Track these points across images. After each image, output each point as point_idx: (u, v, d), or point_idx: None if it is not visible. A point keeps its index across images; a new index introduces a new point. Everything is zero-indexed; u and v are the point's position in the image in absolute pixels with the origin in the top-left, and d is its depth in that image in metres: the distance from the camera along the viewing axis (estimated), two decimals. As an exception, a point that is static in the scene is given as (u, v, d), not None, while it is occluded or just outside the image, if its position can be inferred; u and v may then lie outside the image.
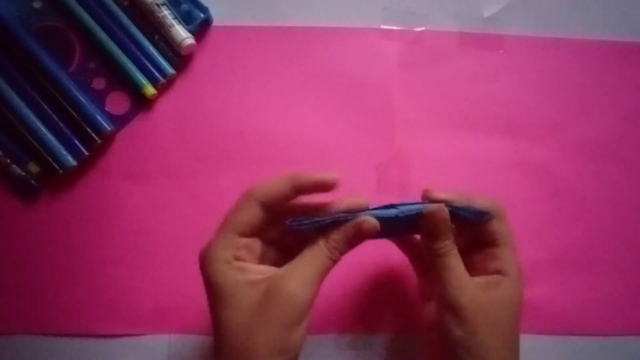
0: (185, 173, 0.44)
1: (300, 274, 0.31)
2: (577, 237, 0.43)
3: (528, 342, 0.41)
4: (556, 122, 0.45)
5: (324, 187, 0.32)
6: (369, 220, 0.32)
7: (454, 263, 0.33)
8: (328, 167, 0.43)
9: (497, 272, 0.33)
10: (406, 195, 0.43)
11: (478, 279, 0.33)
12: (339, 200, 0.33)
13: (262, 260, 0.33)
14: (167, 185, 0.43)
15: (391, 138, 0.45)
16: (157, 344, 0.41)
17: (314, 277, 0.31)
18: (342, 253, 0.32)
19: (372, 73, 0.46)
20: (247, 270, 0.31)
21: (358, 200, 0.33)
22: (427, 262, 0.34)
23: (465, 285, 0.32)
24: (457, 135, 0.45)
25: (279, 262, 0.33)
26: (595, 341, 0.42)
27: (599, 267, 0.43)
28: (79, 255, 0.42)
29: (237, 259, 0.32)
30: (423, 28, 0.47)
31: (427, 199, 0.34)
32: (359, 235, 0.32)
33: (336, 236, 0.32)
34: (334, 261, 0.32)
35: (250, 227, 0.32)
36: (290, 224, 0.32)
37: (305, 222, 0.32)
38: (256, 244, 0.33)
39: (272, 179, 0.32)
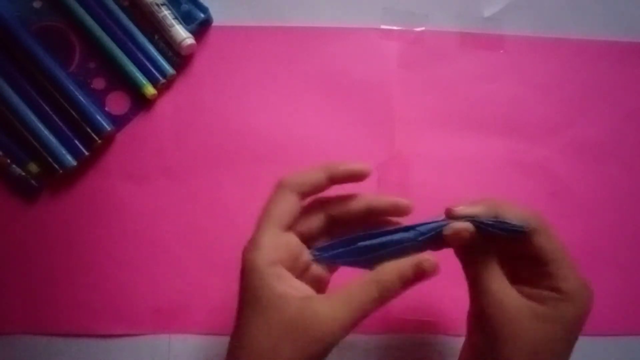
0: (185, 173, 0.44)
1: (337, 313, 0.29)
2: (577, 237, 0.43)
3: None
4: (556, 122, 0.45)
5: (358, 177, 0.32)
6: (429, 260, 0.30)
7: (486, 274, 0.31)
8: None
9: (554, 290, 0.30)
10: (406, 195, 0.43)
11: (528, 290, 0.31)
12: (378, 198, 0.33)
13: (302, 276, 0.32)
14: (167, 185, 0.43)
15: (391, 138, 0.45)
16: (157, 344, 0.41)
17: (355, 320, 0.29)
18: (396, 295, 0.30)
19: (372, 73, 0.45)
20: (286, 281, 0.30)
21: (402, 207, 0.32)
22: (464, 269, 0.33)
23: (498, 295, 0.30)
24: (457, 135, 0.45)
25: (319, 281, 0.33)
26: (595, 341, 0.42)
27: (599, 267, 0.43)
28: (79, 255, 0.42)
29: (281, 261, 0.31)
30: (423, 28, 0.47)
31: (450, 217, 0.31)
32: (419, 277, 0.30)
33: (389, 277, 0.30)
34: (383, 303, 0.30)
35: (291, 217, 0.32)
36: (315, 256, 0.32)
37: (330, 251, 0.32)
38: (302, 252, 0.32)
39: (306, 170, 0.32)
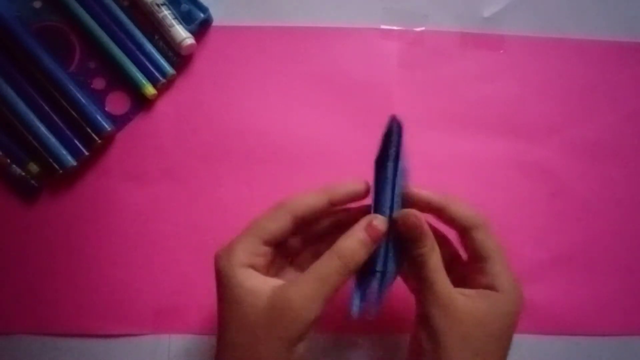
0: (185, 173, 0.44)
1: (306, 290, 0.30)
2: (577, 237, 0.43)
3: (528, 342, 0.41)
4: (556, 122, 0.45)
5: (357, 197, 0.33)
6: (377, 217, 0.32)
7: (429, 274, 0.31)
8: (328, 168, 0.44)
9: (489, 287, 0.32)
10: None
11: (468, 291, 0.32)
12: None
13: (270, 267, 0.33)
14: (167, 185, 0.43)
15: (391, 138, 0.44)
16: (157, 344, 0.41)
17: (322, 294, 0.30)
18: (360, 260, 0.31)
19: (372, 73, 0.45)
20: (256, 278, 0.31)
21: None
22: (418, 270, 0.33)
23: (438, 295, 0.31)
24: (457, 135, 0.45)
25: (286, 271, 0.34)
26: (595, 341, 0.42)
27: (599, 267, 0.43)
28: (79, 255, 0.42)
29: (253, 266, 0.31)
30: (423, 28, 0.47)
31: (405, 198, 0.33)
32: (373, 236, 0.31)
33: (347, 244, 0.31)
34: (350, 273, 0.31)
35: (277, 238, 0.32)
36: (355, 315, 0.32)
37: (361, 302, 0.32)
38: (271, 252, 0.33)
39: (307, 194, 0.33)
